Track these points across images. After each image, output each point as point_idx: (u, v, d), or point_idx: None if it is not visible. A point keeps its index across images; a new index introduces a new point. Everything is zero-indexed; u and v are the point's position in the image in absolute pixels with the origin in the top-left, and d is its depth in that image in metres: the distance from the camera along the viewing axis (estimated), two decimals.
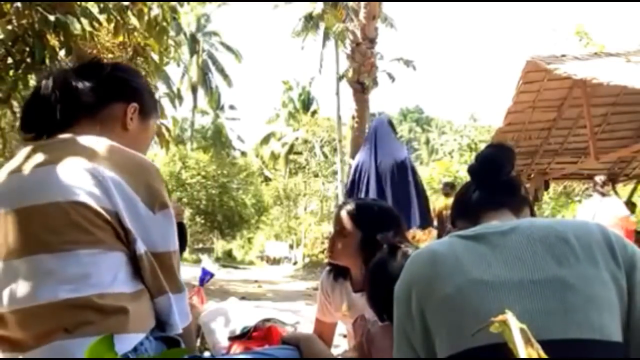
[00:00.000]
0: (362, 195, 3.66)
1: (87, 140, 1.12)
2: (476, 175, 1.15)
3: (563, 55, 6.91)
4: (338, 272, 1.93)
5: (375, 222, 1.78)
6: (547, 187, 9.30)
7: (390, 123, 4.05)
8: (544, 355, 0.61)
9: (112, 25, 3.69)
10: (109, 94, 1.23)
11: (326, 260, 2.00)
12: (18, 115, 5.34)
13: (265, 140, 35.07)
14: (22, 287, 1.00)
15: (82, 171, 1.05)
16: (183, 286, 1.16)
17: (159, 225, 1.10)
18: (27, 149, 1.15)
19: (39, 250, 1.01)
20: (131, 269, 1.07)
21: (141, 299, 1.07)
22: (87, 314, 0.98)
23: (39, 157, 1.10)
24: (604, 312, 0.88)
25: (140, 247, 1.07)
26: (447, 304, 0.93)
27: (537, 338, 0.75)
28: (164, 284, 1.10)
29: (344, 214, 1.84)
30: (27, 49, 3.22)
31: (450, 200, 6.48)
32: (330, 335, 2.04)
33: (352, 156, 12.39)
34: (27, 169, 1.09)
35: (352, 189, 3.83)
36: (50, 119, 1.18)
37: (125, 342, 0.99)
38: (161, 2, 3.88)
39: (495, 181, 1.11)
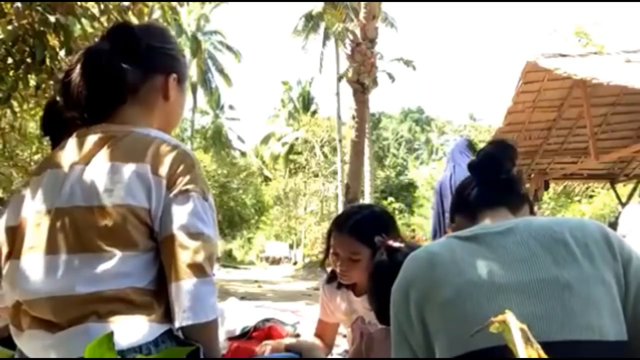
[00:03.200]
0: (443, 214, 3.77)
1: (133, 138, 1.13)
2: (476, 172, 1.14)
3: (563, 55, 6.91)
4: (340, 282, 1.90)
5: (379, 232, 1.76)
6: (547, 187, 9.30)
7: (470, 145, 4.26)
8: (544, 356, 0.61)
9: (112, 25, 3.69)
10: (150, 67, 1.22)
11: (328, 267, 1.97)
12: (18, 115, 5.35)
13: (265, 140, 35.08)
14: (62, 280, 1.04)
15: (128, 172, 1.07)
16: (206, 272, 1.05)
17: (175, 206, 1.07)
18: (78, 140, 1.16)
19: (83, 249, 1.05)
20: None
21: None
22: (120, 305, 1.03)
23: (89, 152, 1.12)
24: (603, 311, 0.88)
25: (160, 237, 1.07)
26: (446, 307, 0.92)
27: (535, 340, 0.75)
28: (183, 267, 1.03)
29: (348, 239, 1.75)
30: (27, 49, 3.22)
31: None
32: (333, 335, 2.04)
33: (352, 156, 12.41)
34: (77, 165, 1.12)
35: (437, 215, 3.95)
36: (98, 101, 1.18)
37: (150, 331, 1.03)
38: (161, 3, 3.88)
39: (495, 179, 1.10)
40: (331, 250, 1.81)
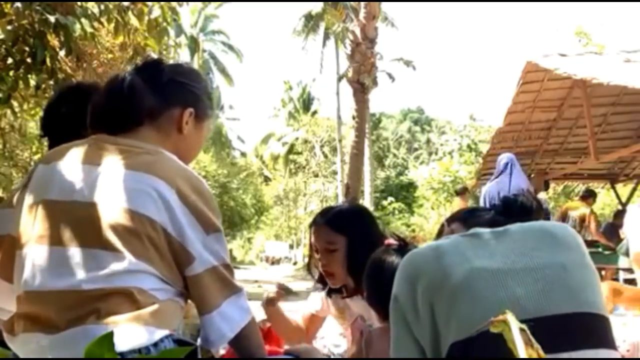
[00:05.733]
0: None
1: (159, 158, 1.18)
2: (508, 210, 1.21)
3: (563, 55, 6.90)
4: (330, 288, 1.89)
5: (356, 223, 1.79)
6: (547, 187, 9.30)
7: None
8: (543, 355, 0.61)
9: (112, 25, 3.69)
10: (169, 99, 1.28)
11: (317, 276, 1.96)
12: (18, 115, 5.35)
13: (265, 140, 35.06)
14: (69, 274, 1.06)
15: (151, 190, 1.11)
16: (238, 287, 1.22)
17: (212, 245, 1.18)
18: (97, 144, 1.20)
19: (98, 245, 1.07)
20: (168, 286, 1.13)
21: (171, 303, 1.13)
22: (122, 304, 1.04)
23: (113, 157, 1.16)
24: (595, 291, 1.02)
25: (197, 267, 1.14)
26: (456, 292, 0.98)
27: (542, 314, 0.91)
28: (223, 291, 1.18)
29: (324, 228, 1.78)
30: (27, 49, 3.22)
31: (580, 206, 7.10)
32: (317, 328, 2.03)
33: (352, 156, 12.38)
34: (102, 165, 1.15)
35: None
36: (117, 118, 1.24)
37: (150, 334, 1.04)
38: (161, 3, 3.88)
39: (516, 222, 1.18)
40: (313, 248, 1.84)
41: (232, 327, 1.19)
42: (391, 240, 1.47)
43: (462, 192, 9.15)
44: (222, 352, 1.89)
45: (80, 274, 1.05)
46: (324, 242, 1.77)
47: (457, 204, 8.92)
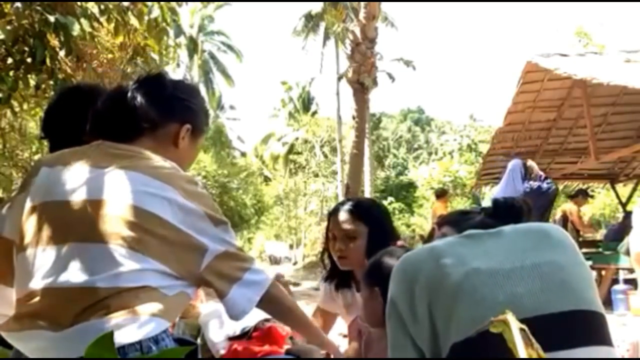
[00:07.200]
0: None
1: (162, 164, 1.22)
2: (497, 212, 1.22)
3: (563, 55, 6.90)
4: (340, 281, 1.90)
5: (376, 215, 1.83)
6: None
7: (525, 166, 4.71)
8: (543, 355, 0.61)
9: (112, 25, 3.69)
10: (168, 114, 1.32)
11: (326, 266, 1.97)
12: (18, 115, 5.35)
13: (265, 140, 35.04)
14: (83, 270, 1.07)
15: (158, 192, 1.15)
16: (251, 259, 1.31)
17: (221, 234, 1.23)
18: (104, 147, 1.24)
19: (109, 241, 1.09)
20: (178, 281, 1.16)
21: (179, 295, 1.16)
22: (129, 302, 1.06)
23: (120, 161, 1.19)
24: (591, 289, 1.04)
25: (211, 255, 1.19)
26: (455, 291, 0.98)
27: (540, 312, 0.93)
28: (241, 268, 1.24)
29: (346, 215, 1.81)
30: (27, 49, 3.22)
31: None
32: (330, 326, 2.04)
33: (352, 156, 12.38)
34: (110, 168, 1.18)
35: None
36: (119, 128, 1.28)
37: (151, 328, 1.06)
38: (161, 3, 3.88)
39: (505, 224, 1.18)
40: (330, 236, 1.85)
41: (257, 291, 1.25)
42: (398, 242, 1.48)
43: (441, 195, 9.16)
44: (222, 352, 1.90)
45: (95, 272, 1.07)
46: (344, 228, 1.79)
47: (438, 207, 8.93)
